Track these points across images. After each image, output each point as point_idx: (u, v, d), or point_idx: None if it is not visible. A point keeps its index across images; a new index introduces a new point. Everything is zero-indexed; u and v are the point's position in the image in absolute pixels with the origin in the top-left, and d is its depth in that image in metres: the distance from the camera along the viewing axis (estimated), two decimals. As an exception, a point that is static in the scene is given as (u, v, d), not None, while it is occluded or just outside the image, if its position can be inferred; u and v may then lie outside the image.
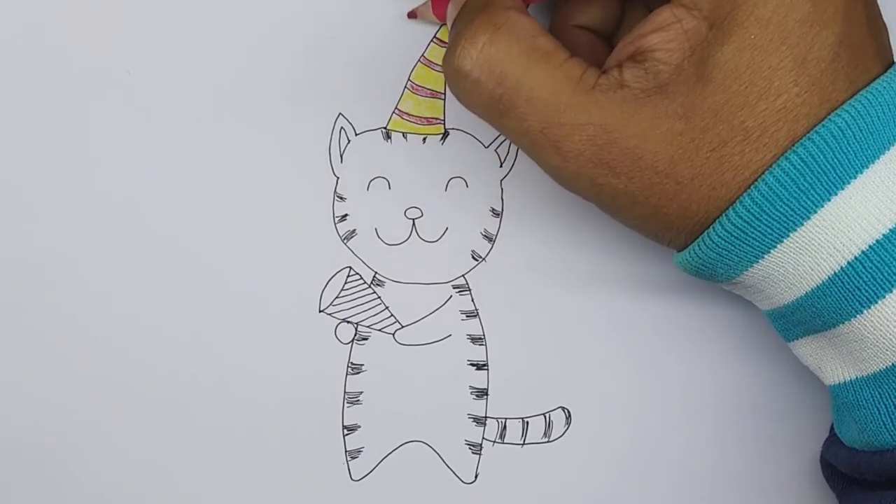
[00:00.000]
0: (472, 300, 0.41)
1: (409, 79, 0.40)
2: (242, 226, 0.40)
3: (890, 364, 0.30)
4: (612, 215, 0.33)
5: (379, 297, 0.40)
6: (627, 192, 0.31)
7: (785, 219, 0.29)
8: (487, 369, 0.41)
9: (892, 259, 0.29)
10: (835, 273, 0.30)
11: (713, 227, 0.30)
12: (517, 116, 0.31)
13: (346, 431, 0.41)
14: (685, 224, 0.31)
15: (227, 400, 0.40)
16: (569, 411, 0.41)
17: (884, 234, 0.29)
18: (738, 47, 0.29)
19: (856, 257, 0.29)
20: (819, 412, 0.41)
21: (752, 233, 0.30)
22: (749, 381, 0.41)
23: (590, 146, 0.30)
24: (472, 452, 0.41)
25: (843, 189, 0.29)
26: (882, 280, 0.29)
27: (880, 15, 0.31)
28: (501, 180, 0.41)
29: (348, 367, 0.40)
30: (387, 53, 0.40)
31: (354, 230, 0.40)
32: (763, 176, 0.29)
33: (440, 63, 0.40)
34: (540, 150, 0.31)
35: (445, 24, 0.35)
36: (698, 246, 0.31)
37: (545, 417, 0.41)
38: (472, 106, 0.32)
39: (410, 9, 0.39)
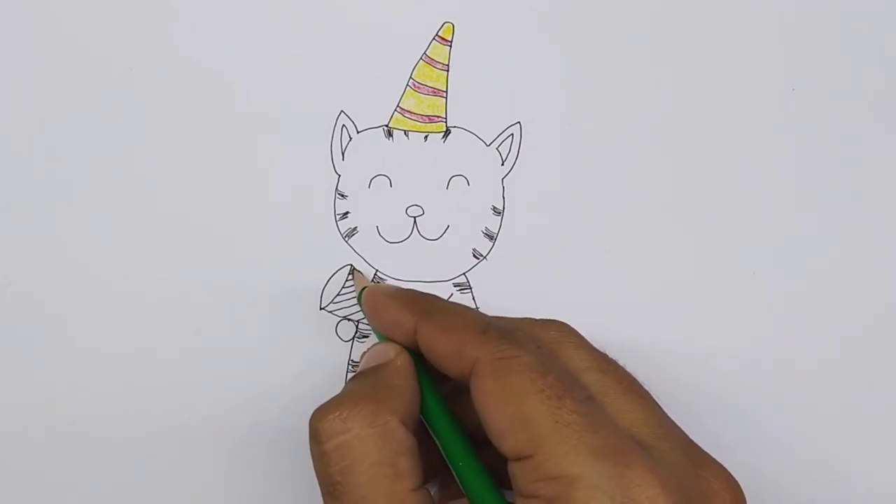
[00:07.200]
0: (473, 298, 0.41)
1: (410, 76, 0.40)
2: (243, 223, 0.40)
3: None
4: None
5: (380, 295, 0.40)
6: None
7: None
8: (488, 368, 0.41)
9: None
10: None
11: None
12: None
13: (346, 429, 0.41)
14: None
15: (227, 397, 0.40)
16: (569, 410, 0.41)
17: None
18: None
19: None
20: (820, 415, 0.41)
21: None
22: (749, 381, 0.41)
23: None
24: (473, 451, 0.41)
25: None
26: None
27: None
28: (503, 179, 0.41)
29: (349, 364, 0.40)
30: (388, 51, 0.40)
31: (356, 228, 0.40)
32: None
33: (442, 61, 0.40)
34: None
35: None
36: None
37: (546, 416, 0.41)
38: (314, 467, 0.32)
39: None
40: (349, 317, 0.40)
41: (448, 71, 0.40)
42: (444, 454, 0.33)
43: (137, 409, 0.40)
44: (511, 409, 0.30)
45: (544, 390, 0.30)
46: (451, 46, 0.40)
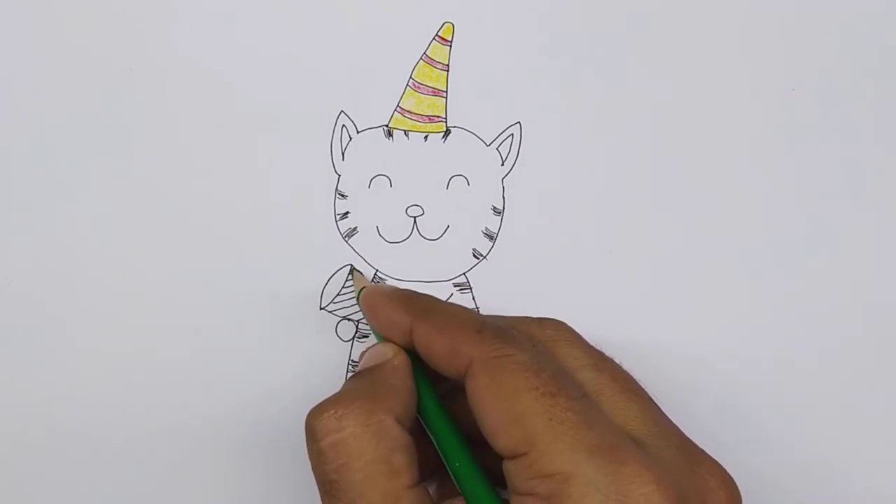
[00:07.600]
0: (473, 298, 0.41)
1: (410, 76, 0.40)
2: (243, 223, 0.40)
3: None
4: None
5: (380, 295, 0.40)
6: None
7: None
8: (488, 368, 0.41)
9: None
10: None
11: None
12: None
13: (346, 429, 0.41)
14: None
15: (227, 397, 0.40)
16: (569, 410, 0.41)
17: None
18: None
19: None
20: (819, 414, 0.41)
21: None
22: (749, 381, 0.41)
23: None
24: (473, 451, 0.41)
25: None
26: None
27: None
28: (503, 178, 0.41)
29: (349, 364, 0.40)
30: (388, 51, 0.40)
31: (356, 228, 0.40)
32: None
33: (442, 61, 0.40)
34: None
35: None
36: None
37: (546, 416, 0.41)
38: (311, 465, 0.32)
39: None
40: (349, 317, 0.40)
41: (448, 71, 0.40)
42: (440, 453, 0.33)
43: (137, 409, 0.40)
44: (505, 406, 0.30)
45: (538, 388, 0.30)
46: (451, 46, 0.40)
